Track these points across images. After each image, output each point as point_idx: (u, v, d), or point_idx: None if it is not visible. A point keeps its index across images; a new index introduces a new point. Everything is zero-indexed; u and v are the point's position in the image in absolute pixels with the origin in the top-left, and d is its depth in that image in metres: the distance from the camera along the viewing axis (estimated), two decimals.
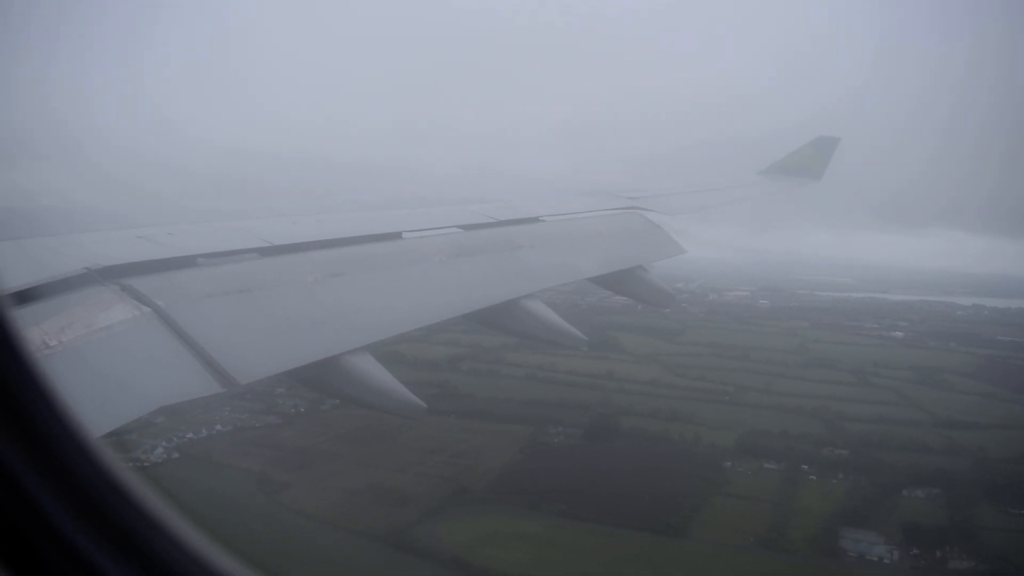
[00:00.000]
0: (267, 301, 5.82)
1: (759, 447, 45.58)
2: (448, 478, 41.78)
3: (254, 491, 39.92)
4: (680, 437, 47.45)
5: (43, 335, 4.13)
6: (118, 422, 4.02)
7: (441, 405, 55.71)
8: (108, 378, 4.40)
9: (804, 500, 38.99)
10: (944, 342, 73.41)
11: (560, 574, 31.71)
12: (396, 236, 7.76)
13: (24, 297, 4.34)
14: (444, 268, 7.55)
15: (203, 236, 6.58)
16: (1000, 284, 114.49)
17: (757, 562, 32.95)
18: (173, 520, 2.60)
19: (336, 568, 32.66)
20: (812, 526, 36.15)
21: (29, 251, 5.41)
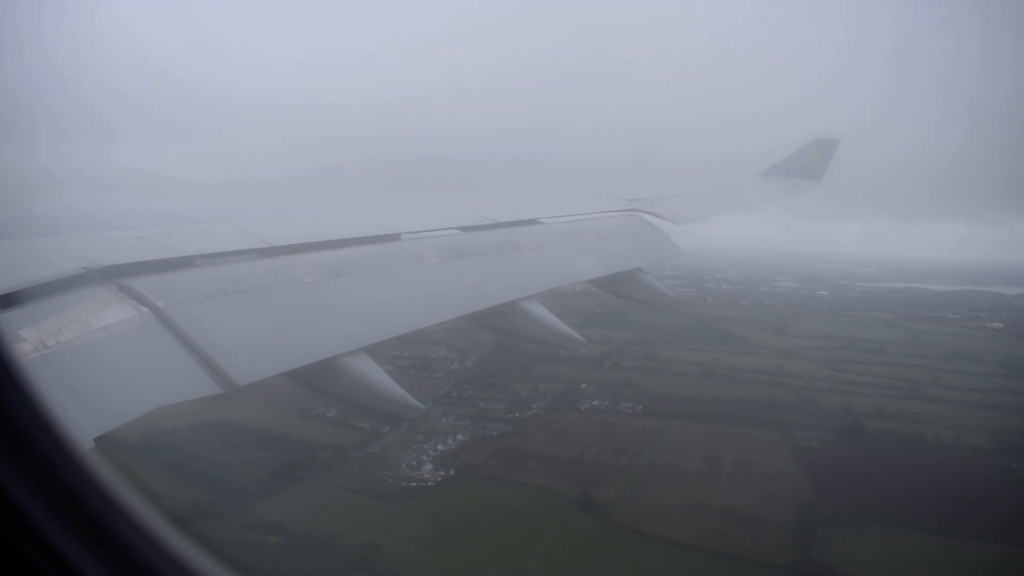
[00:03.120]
0: (266, 302, 5.53)
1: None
2: (765, 491, 38.28)
3: (581, 515, 35.15)
4: (936, 439, 44.95)
5: (41, 335, 3.95)
6: (116, 423, 3.80)
7: (655, 407, 51.78)
8: (106, 378, 4.21)
9: None
10: None
11: None
12: (395, 237, 7.43)
13: (22, 297, 4.19)
14: (443, 270, 7.19)
15: (202, 236, 6.27)
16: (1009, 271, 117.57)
17: None
18: (157, 522, 2.45)
19: None
20: None
21: (27, 251, 5.21)
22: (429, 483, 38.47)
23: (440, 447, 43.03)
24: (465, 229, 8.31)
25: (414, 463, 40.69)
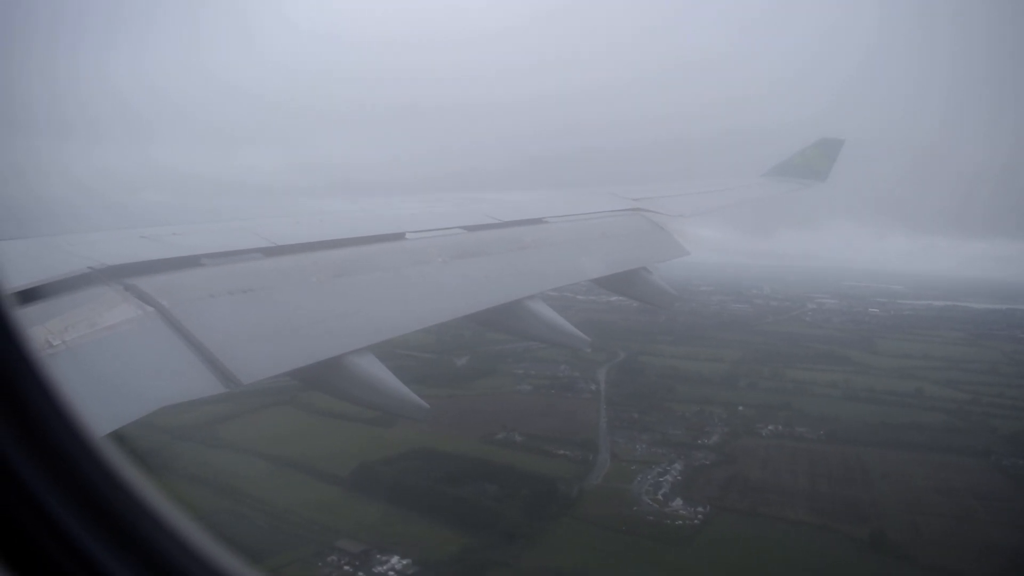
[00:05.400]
0: (271, 301, 5.34)
1: None
2: None
3: (881, 556, 32.20)
4: None
5: (47, 334, 3.80)
6: (121, 422, 3.63)
7: (834, 432, 49.68)
8: (111, 378, 4.02)
9: None
10: None
11: None
12: (399, 237, 7.16)
13: (28, 296, 4.02)
14: (447, 269, 6.89)
15: (207, 236, 6.08)
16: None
17: None
18: (176, 517, 2.34)
19: None
20: None
21: (33, 250, 5.04)
22: (695, 521, 35.14)
23: (668, 478, 39.83)
24: (470, 228, 8.02)
25: (659, 497, 37.34)
